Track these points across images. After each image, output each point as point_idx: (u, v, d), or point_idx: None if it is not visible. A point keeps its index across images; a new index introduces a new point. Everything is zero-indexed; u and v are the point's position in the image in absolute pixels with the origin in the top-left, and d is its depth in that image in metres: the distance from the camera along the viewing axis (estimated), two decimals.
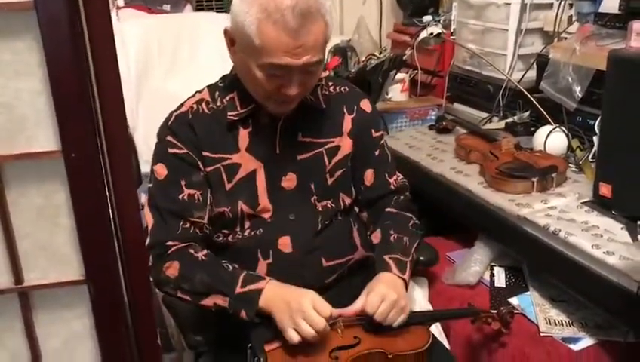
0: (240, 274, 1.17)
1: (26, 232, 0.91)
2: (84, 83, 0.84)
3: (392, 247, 1.27)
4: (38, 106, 0.85)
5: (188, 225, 1.20)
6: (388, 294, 1.14)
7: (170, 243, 1.19)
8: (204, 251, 1.21)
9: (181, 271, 1.17)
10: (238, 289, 1.14)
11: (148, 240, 1.20)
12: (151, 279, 1.20)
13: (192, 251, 1.19)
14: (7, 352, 1.02)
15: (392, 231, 1.30)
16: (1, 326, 1.00)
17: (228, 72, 1.28)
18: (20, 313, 0.97)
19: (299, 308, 1.09)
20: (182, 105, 1.25)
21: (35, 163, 0.88)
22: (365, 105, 1.34)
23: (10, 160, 0.87)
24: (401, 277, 1.22)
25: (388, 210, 1.35)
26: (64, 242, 0.92)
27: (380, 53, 1.96)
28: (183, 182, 1.20)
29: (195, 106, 1.23)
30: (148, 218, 1.22)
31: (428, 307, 1.57)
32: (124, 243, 0.93)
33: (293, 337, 1.09)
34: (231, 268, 1.19)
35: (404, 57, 2.00)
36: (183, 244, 1.20)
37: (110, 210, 0.92)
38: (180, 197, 1.20)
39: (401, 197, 1.38)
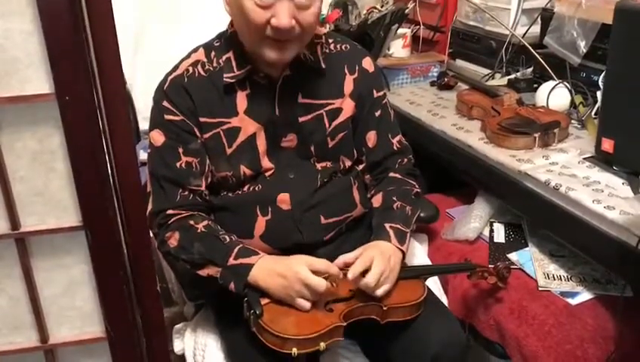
0: (235, 246, 1.15)
1: (21, 177, 0.90)
2: (76, 23, 0.82)
3: (395, 216, 1.25)
4: (29, 47, 0.83)
5: (187, 192, 1.20)
6: (377, 262, 1.13)
7: (170, 211, 1.18)
8: (205, 222, 1.19)
9: (180, 242, 1.17)
10: (231, 261, 1.13)
11: (149, 208, 1.19)
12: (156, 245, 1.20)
13: (192, 222, 1.18)
14: (7, 298, 1.02)
15: (395, 198, 1.28)
16: (0, 273, 1.00)
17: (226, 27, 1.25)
18: (18, 259, 0.97)
19: (296, 277, 1.09)
20: (177, 67, 1.21)
21: (29, 106, 0.86)
22: (367, 64, 1.30)
23: (2, 103, 0.85)
24: (400, 249, 1.21)
25: (392, 174, 1.33)
26: (60, 187, 0.91)
27: (381, 7, 1.92)
28: (180, 150, 1.18)
29: (190, 69, 1.19)
30: (149, 184, 1.21)
31: (427, 263, 1.58)
32: (122, 188, 0.92)
33: (305, 305, 1.10)
34: (228, 239, 1.17)
35: (407, 11, 1.96)
36: (185, 214, 1.19)
37: (106, 155, 0.90)
38: (178, 165, 1.18)
39: (405, 160, 1.36)
